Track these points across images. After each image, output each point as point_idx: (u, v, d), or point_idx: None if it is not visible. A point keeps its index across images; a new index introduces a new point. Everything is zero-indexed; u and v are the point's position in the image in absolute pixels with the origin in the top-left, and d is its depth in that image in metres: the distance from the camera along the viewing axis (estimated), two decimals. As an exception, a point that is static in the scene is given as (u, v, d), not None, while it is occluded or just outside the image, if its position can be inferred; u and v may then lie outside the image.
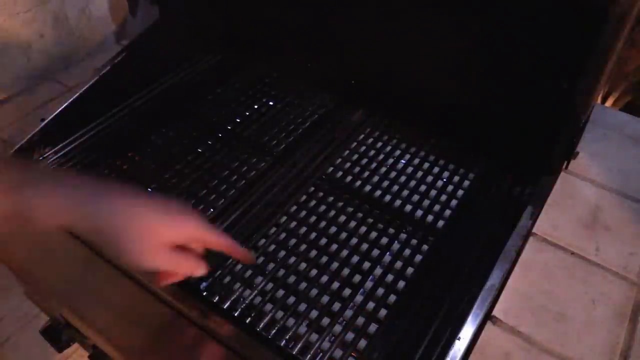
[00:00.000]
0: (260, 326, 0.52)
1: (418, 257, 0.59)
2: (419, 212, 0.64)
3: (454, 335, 0.50)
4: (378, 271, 0.57)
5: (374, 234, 0.61)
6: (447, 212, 0.64)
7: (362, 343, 0.51)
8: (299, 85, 0.83)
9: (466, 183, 0.68)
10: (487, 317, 0.52)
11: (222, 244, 0.47)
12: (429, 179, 0.68)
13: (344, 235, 0.61)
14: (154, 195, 0.45)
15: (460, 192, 0.66)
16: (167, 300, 0.53)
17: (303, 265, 0.58)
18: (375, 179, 0.68)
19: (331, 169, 0.70)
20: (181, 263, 0.44)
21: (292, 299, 0.55)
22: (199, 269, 0.45)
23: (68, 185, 0.40)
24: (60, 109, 0.74)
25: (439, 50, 0.64)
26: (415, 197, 0.66)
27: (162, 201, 0.44)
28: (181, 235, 0.44)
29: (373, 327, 0.52)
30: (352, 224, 0.62)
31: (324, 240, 0.61)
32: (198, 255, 0.46)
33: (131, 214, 0.41)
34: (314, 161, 0.70)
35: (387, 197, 0.65)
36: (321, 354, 0.50)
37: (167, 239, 0.42)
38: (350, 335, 0.52)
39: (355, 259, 0.59)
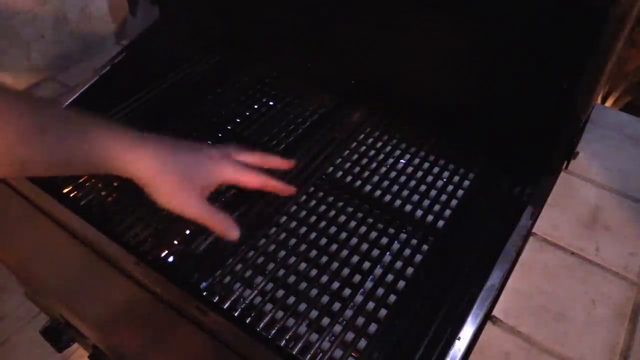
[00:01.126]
0: (260, 326, 0.52)
1: (418, 257, 0.59)
2: (419, 212, 0.64)
3: (454, 335, 0.50)
4: (378, 271, 0.57)
5: (374, 234, 0.61)
6: (447, 212, 0.64)
7: (362, 343, 0.51)
8: (299, 85, 0.83)
9: (466, 183, 0.68)
10: (487, 317, 0.52)
11: (256, 183, 0.49)
12: (429, 179, 0.68)
13: (344, 235, 0.61)
14: (187, 144, 0.48)
15: (460, 192, 0.66)
16: (167, 300, 0.53)
17: (303, 265, 0.58)
18: (375, 179, 0.68)
19: (331, 169, 0.70)
20: (213, 218, 0.47)
21: (292, 299, 0.55)
22: (232, 232, 0.48)
23: (113, 135, 0.43)
24: (60, 109, 0.74)
25: (438, 50, 0.64)
26: (415, 197, 0.66)
27: (194, 150, 0.47)
28: (213, 183, 0.47)
29: (373, 327, 0.52)
30: (352, 224, 0.62)
31: (324, 240, 0.61)
32: (231, 219, 0.48)
33: (163, 164, 0.45)
34: (314, 161, 0.70)
35: (387, 197, 0.65)
36: (321, 354, 0.50)
37: (197, 186, 0.46)
38: (350, 335, 0.52)
39: (355, 259, 0.59)
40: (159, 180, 0.45)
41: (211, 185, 0.48)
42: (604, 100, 1.16)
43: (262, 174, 0.50)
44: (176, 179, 0.45)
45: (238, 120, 0.78)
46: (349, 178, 0.68)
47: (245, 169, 0.49)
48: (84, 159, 0.42)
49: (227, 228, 0.48)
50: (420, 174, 0.69)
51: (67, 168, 0.43)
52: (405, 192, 0.66)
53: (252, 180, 0.49)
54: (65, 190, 0.66)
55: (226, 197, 0.65)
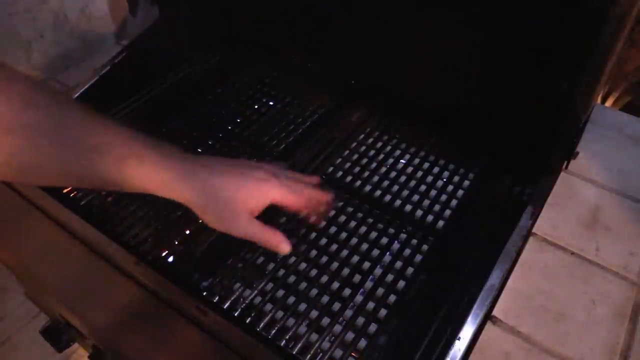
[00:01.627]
0: (260, 326, 0.52)
1: (418, 257, 0.59)
2: (419, 212, 0.64)
3: (454, 335, 0.50)
4: (378, 271, 0.57)
5: (374, 234, 0.61)
6: (447, 212, 0.64)
7: (362, 343, 0.51)
8: (299, 85, 0.83)
9: (466, 183, 0.68)
10: (487, 317, 0.52)
11: (300, 205, 0.51)
12: (429, 179, 0.68)
13: (344, 235, 0.61)
14: (235, 165, 0.49)
15: (460, 192, 0.66)
16: (167, 300, 0.53)
17: (303, 265, 0.58)
18: (375, 179, 0.68)
19: (331, 169, 0.70)
20: (263, 235, 0.49)
21: (292, 299, 0.55)
22: (282, 246, 0.49)
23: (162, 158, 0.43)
24: (60, 109, 0.74)
25: (438, 50, 0.64)
26: (415, 197, 0.66)
27: (243, 173, 0.48)
28: (262, 204, 0.49)
29: (373, 327, 0.52)
30: (352, 224, 0.62)
31: (324, 240, 0.61)
32: (281, 233, 0.50)
33: (212, 192, 0.46)
34: (314, 161, 0.70)
35: (387, 197, 0.65)
36: (321, 354, 0.50)
37: (246, 208, 0.47)
38: (350, 335, 0.52)
39: (355, 259, 0.59)
40: (209, 206, 0.46)
41: (260, 206, 0.49)
42: (604, 100, 1.16)
43: (306, 196, 0.51)
44: (225, 204, 0.46)
45: (238, 120, 0.78)
46: (349, 178, 0.68)
47: (293, 191, 0.50)
48: (117, 180, 0.41)
49: (278, 243, 0.49)
50: (420, 174, 0.69)
51: (89, 184, 0.43)
52: (405, 192, 0.66)
53: (300, 203, 0.51)
54: (65, 191, 0.66)
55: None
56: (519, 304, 0.53)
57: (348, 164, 0.70)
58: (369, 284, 0.56)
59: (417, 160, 0.71)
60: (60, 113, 0.37)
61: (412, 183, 0.67)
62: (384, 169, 0.70)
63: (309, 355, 0.50)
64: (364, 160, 0.71)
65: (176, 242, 0.60)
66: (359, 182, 0.68)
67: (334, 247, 0.60)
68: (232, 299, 0.54)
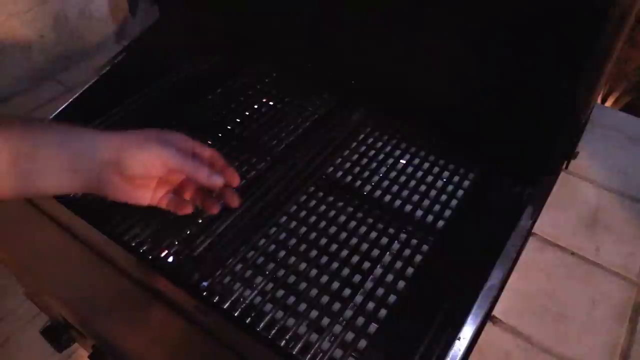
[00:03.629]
0: (260, 326, 0.52)
1: (418, 257, 0.59)
2: (419, 212, 0.64)
3: (454, 335, 0.50)
4: (378, 271, 0.57)
5: (374, 234, 0.61)
6: (447, 212, 0.64)
7: (362, 343, 0.51)
8: (299, 85, 0.83)
9: (466, 183, 0.68)
10: (487, 317, 0.52)
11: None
12: (429, 179, 0.68)
13: (344, 235, 0.61)
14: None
15: (460, 192, 0.66)
16: (168, 299, 0.53)
17: (303, 265, 0.58)
18: (375, 179, 0.68)
19: (331, 169, 0.70)
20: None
21: (292, 299, 0.55)
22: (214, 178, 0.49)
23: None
24: (60, 109, 0.74)
25: (438, 50, 0.64)
26: (415, 197, 0.66)
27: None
28: (151, 173, 0.46)
29: (373, 327, 0.52)
30: (352, 224, 0.62)
31: (324, 240, 0.61)
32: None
33: (97, 171, 0.43)
34: (314, 161, 0.70)
35: (387, 197, 0.65)
36: (321, 354, 0.50)
37: (139, 176, 0.45)
38: (350, 335, 0.52)
39: (355, 259, 0.59)
40: (105, 192, 0.45)
41: (150, 175, 0.47)
42: (604, 100, 1.16)
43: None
44: (138, 138, 0.45)
45: (238, 120, 0.78)
46: (349, 178, 0.68)
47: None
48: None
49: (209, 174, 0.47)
50: (420, 174, 0.69)
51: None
52: (405, 192, 0.66)
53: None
54: (65, 190, 0.66)
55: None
56: (519, 304, 0.53)
57: (348, 164, 0.70)
58: (369, 284, 0.56)
59: (417, 160, 0.71)
60: None
61: (412, 183, 0.67)
62: (384, 169, 0.70)
63: (309, 355, 0.50)
64: (364, 160, 0.71)
65: (176, 242, 0.60)
66: (359, 182, 0.68)
67: (334, 247, 0.60)
68: (232, 299, 0.54)
